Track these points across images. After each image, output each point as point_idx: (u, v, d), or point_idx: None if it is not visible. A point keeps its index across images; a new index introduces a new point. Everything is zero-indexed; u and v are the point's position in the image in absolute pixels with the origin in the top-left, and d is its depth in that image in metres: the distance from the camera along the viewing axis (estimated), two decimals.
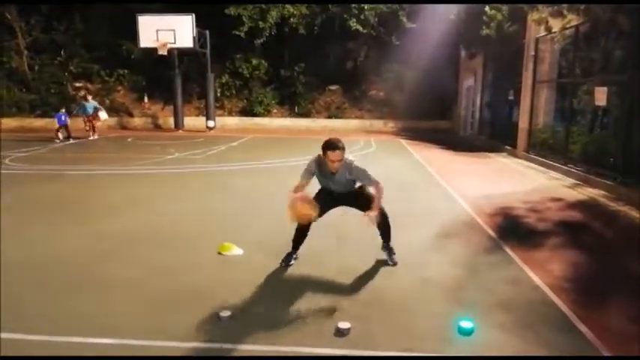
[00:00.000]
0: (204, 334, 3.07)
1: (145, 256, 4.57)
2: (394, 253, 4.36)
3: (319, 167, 4.00)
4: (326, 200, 4.12)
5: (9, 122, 19.97)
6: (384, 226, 4.25)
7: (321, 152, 3.93)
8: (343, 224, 5.13)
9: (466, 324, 3.12)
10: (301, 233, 4.22)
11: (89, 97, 16.63)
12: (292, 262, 4.30)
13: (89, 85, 21.90)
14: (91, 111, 15.88)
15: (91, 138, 15.78)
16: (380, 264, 4.34)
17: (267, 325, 3.20)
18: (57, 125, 15.16)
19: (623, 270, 4.52)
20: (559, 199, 7.42)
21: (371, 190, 4.06)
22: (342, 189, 4.12)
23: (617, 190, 7.65)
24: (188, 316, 3.28)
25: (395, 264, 4.28)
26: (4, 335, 3.01)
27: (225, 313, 3.25)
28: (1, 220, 5.65)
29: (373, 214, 3.88)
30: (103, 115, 16.10)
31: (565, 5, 8.39)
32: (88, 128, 16.00)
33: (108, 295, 3.65)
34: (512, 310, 3.46)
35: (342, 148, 3.83)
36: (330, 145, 3.82)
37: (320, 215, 3.95)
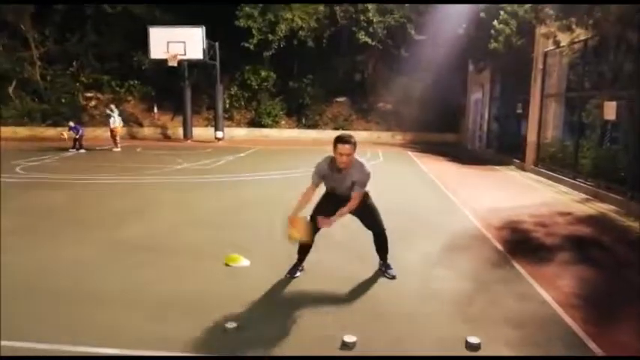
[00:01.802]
0: (211, 345, 3.07)
1: (151, 265, 4.58)
2: (390, 267, 4.36)
3: (329, 166, 3.99)
4: (329, 205, 4.07)
5: (21, 131, 20.30)
6: (380, 241, 4.29)
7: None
8: (349, 234, 5.12)
9: (473, 339, 3.09)
10: (304, 245, 4.22)
11: (112, 107, 16.43)
12: (298, 273, 4.30)
13: (100, 96, 22.17)
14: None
15: (115, 149, 15.60)
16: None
17: (274, 336, 3.19)
18: (76, 135, 15.25)
19: (634, 286, 4.46)
20: (568, 214, 7.36)
21: (353, 194, 3.93)
22: (345, 191, 4.01)
23: (627, 205, 7.58)
24: (194, 327, 3.28)
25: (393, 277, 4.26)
26: (3, 343, 3.02)
27: (232, 325, 3.25)
28: (7, 227, 5.71)
29: (328, 222, 3.87)
30: (115, 121, 15.93)
31: (573, 20, 8.38)
32: (116, 140, 15.79)
33: (113, 304, 3.66)
34: (520, 326, 3.42)
35: (353, 143, 3.83)
36: (341, 139, 3.83)
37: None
